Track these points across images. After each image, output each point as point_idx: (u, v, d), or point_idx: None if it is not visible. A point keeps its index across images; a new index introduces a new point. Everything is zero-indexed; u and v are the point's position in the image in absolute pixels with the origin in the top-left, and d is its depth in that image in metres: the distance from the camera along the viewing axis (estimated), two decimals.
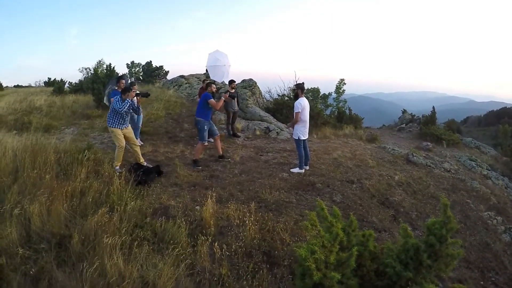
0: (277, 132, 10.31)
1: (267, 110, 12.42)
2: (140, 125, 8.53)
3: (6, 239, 3.28)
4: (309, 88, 20.23)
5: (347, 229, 2.10)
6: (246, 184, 5.89)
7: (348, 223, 2.16)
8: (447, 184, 6.94)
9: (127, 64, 24.54)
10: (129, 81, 8.75)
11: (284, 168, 6.93)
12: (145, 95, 7.17)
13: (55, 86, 15.80)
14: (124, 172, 5.64)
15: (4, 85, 23.22)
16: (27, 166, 4.96)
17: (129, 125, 6.45)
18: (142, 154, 7.32)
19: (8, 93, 17.19)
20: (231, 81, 9.27)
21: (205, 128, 6.88)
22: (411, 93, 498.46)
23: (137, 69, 22.81)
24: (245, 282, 3.18)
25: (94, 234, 3.45)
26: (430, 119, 13.55)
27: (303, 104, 6.44)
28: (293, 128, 6.69)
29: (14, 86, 24.65)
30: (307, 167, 6.85)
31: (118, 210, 4.10)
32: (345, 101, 16.62)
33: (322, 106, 19.00)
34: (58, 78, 21.34)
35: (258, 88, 13.11)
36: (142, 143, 8.48)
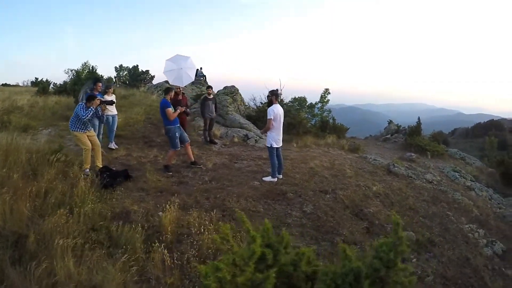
0: (255, 140, 9.97)
1: (248, 117, 12.11)
2: (115, 128, 8.27)
3: None
4: (296, 97, 20.02)
5: (276, 245, 1.69)
6: (214, 191, 5.57)
7: (278, 239, 1.76)
8: (428, 195, 6.64)
9: (115, 68, 24.13)
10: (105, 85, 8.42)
11: (257, 176, 6.56)
12: (110, 103, 7.02)
13: (40, 87, 15.40)
14: (91, 175, 5.50)
15: None
16: None
17: (92, 129, 6.31)
18: (115, 158, 7.34)
19: None
20: (208, 87, 8.94)
21: (176, 135, 6.57)
22: (401, 105, 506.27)
23: (124, 72, 22.38)
24: None
25: (50, 235, 3.34)
26: (415, 130, 13.34)
27: (276, 111, 6.13)
28: (266, 135, 6.37)
29: (2, 85, 24.07)
30: (280, 176, 6.50)
31: (78, 212, 3.94)
32: (330, 111, 16.39)
33: (309, 116, 18.77)
34: (49, 78, 20.94)
35: (240, 95, 12.83)
36: (117, 147, 8.20)
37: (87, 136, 6.08)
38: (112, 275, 2.87)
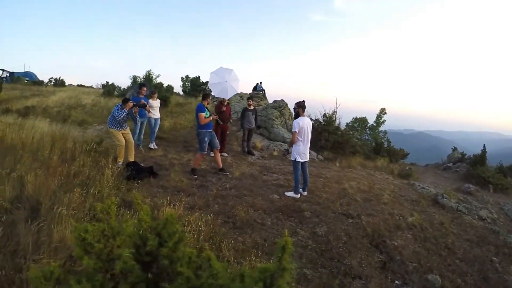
0: None
1: None
2: (156, 130, 8.86)
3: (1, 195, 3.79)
4: (356, 117, 19.19)
5: (166, 237, 1.51)
6: (228, 198, 5.58)
7: (171, 231, 1.55)
8: (474, 234, 5.68)
9: (182, 78, 25.79)
10: (151, 89, 9.21)
11: (280, 190, 6.37)
12: (142, 106, 7.51)
13: (105, 89, 17.15)
14: (123, 167, 6.12)
15: (69, 83, 26.11)
16: (45, 147, 5.80)
17: (127, 128, 6.82)
18: (151, 157, 7.82)
19: (67, 90, 19.03)
20: (249, 98, 9.05)
21: (206, 139, 6.76)
22: (474, 133, 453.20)
23: (187, 83, 23.82)
24: None
25: (59, 205, 3.70)
26: (479, 159, 11.67)
27: (301, 124, 5.91)
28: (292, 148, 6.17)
29: (78, 85, 27.44)
30: (305, 193, 6.20)
31: (92, 194, 4.38)
32: (386, 132, 15.33)
33: (368, 138, 17.81)
34: (116, 83, 23.41)
35: (289, 109, 12.69)
36: (156, 147, 8.78)
37: (122, 134, 6.62)
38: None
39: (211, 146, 6.99)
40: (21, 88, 19.71)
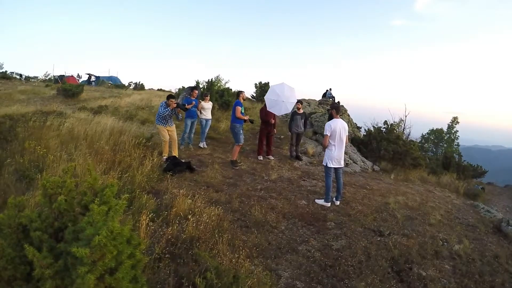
0: (347, 163, 9.22)
1: (352, 140, 11.32)
2: (206, 131, 9.42)
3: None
4: (433, 128, 17.44)
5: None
6: (254, 198, 5.66)
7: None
8: None
9: (255, 84, 26.45)
10: (201, 92, 10.00)
11: (312, 196, 6.19)
12: (182, 107, 7.90)
13: (176, 92, 18.49)
14: (163, 161, 6.79)
15: (149, 87, 28.79)
16: (102, 138, 6.79)
17: (173, 124, 7.40)
18: (197, 154, 8.30)
19: (143, 93, 20.99)
20: (298, 101, 8.89)
21: (240, 131, 7.41)
22: None
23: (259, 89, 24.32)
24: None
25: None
26: None
27: (333, 127, 5.61)
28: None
29: (158, 90, 29.93)
30: (337, 202, 5.88)
31: (125, 178, 5.07)
32: (458, 144, 13.58)
33: (442, 151, 16.10)
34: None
35: (348, 115, 12.09)
36: (206, 146, 9.28)
37: (168, 130, 7.17)
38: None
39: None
40: (103, 91, 22.69)
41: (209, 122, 9.39)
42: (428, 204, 6.82)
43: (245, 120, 7.43)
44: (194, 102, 8.51)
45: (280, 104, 7.93)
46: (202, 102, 9.09)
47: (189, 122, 8.68)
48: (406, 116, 13.00)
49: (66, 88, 16.84)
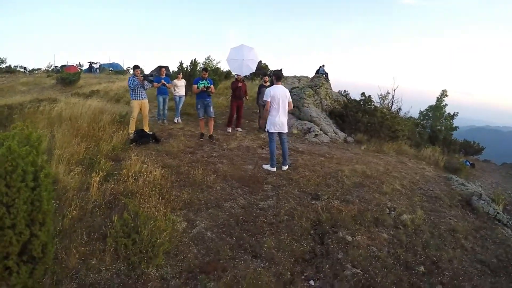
0: (315, 134, 8.98)
1: (331, 112, 11.06)
2: (180, 107, 9.69)
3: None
4: (432, 105, 16.80)
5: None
6: (202, 163, 5.79)
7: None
8: (498, 256, 4.06)
9: None
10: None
11: (262, 162, 6.11)
12: (149, 80, 7.71)
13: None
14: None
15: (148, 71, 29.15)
16: (83, 118, 7.21)
17: (146, 99, 7.45)
18: (170, 129, 8.47)
19: None
20: (265, 75, 8.85)
21: (198, 106, 7.50)
22: None
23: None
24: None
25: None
26: None
27: (272, 93, 5.50)
28: (265, 119, 5.84)
29: None
30: (285, 167, 5.74)
31: (93, 147, 5.72)
32: (451, 118, 13.06)
33: (441, 128, 15.57)
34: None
35: (327, 89, 11.73)
36: (180, 122, 9.50)
37: (141, 105, 7.27)
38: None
39: (206, 114, 7.48)
40: (102, 77, 23.11)
41: (183, 99, 9.74)
42: (391, 174, 6.50)
43: (204, 92, 7.46)
44: (163, 81, 8.72)
45: (240, 63, 7.92)
46: (175, 80, 9.54)
47: (161, 99, 9.05)
48: (394, 90, 12.52)
49: (64, 77, 17.54)
